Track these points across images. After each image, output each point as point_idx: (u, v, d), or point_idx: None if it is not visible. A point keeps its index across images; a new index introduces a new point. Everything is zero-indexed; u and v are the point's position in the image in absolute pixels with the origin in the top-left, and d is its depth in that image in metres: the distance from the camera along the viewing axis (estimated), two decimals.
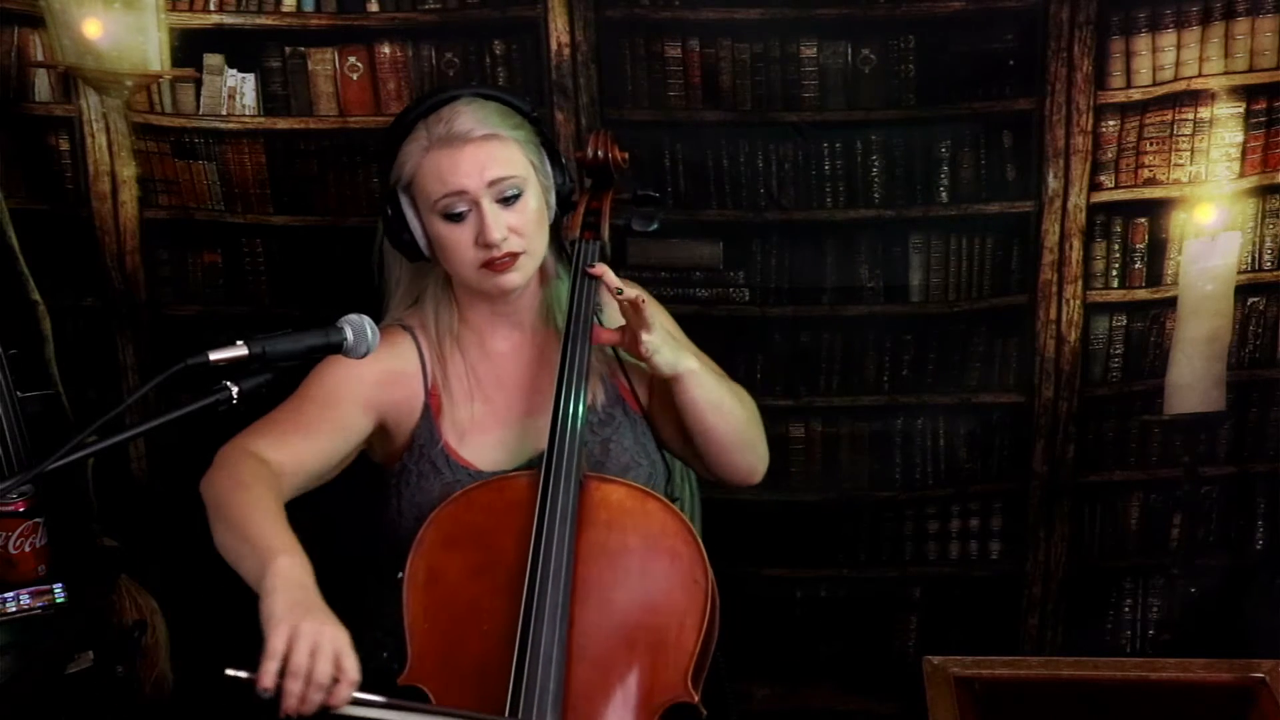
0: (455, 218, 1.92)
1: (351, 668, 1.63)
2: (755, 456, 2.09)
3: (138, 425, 1.63)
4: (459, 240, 1.93)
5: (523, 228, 1.93)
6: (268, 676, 1.60)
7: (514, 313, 2.04)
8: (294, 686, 1.60)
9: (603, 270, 1.94)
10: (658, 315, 1.96)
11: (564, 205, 2.03)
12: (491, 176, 1.91)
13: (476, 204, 1.91)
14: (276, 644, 1.61)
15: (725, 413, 2.01)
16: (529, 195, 1.94)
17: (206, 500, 1.85)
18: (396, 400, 2.01)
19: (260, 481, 1.84)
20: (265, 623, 1.64)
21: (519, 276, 1.96)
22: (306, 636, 1.62)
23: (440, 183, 1.91)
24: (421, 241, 1.97)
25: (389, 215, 1.97)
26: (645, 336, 1.90)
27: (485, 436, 2.02)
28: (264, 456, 1.88)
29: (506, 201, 1.92)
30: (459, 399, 2.02)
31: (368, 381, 1.98)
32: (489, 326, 2.05)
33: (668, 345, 1.93)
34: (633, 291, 1.92)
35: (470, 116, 1.92)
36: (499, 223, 1.91)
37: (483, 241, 1.91)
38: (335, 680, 1.62)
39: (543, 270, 2.03)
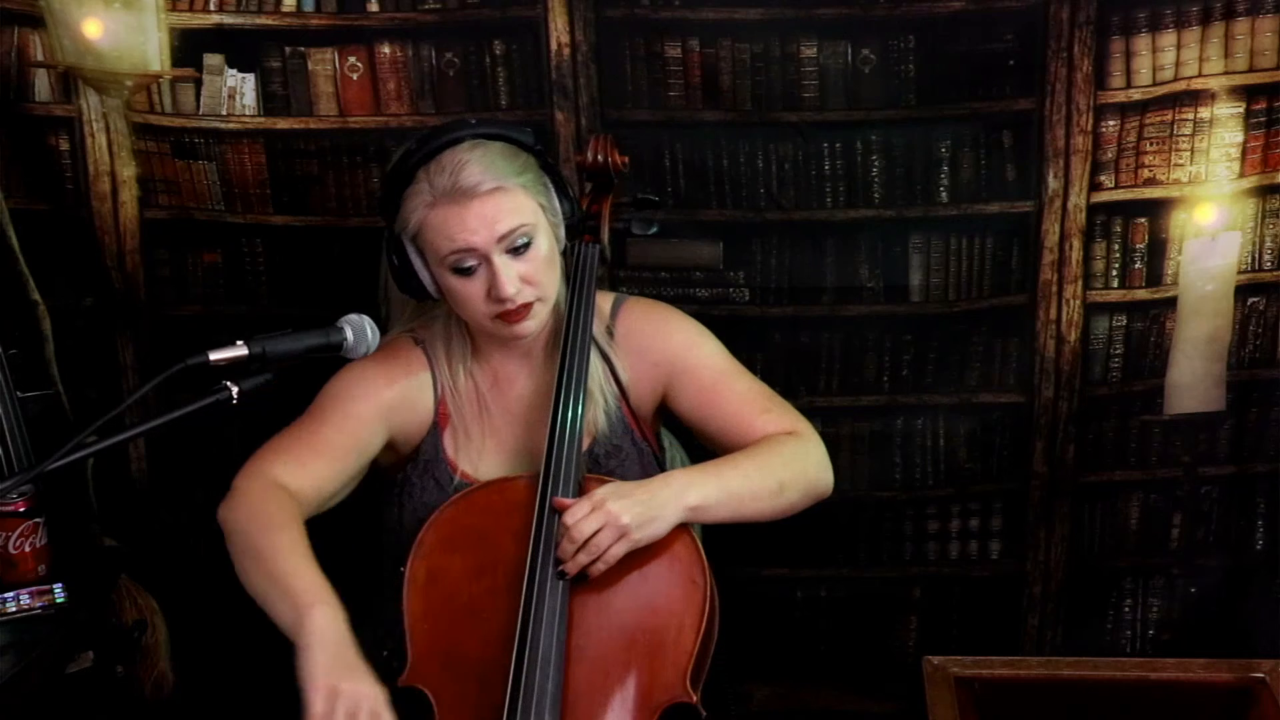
0: (465, 271, 1.87)
1: None
2: (808, 497, 1.98)
3: (138, 425, 1.64)
4: (471, 293, 1.89)
5: (534, 275, 1.89)
6: None
7: (526, 344, 2.01)
8: None
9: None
10: (625, 511, 1.80)
11: (572, 234, 1.99)
12: (501, 231, 1.85)
13: (487, 258, 1.86)
14: (318, 708, 1.62)
15: (748, 509, 1.92)
16: (539, 240, 1.89)
17: (230, 532, 1.84)
18: (407, 416, 2.01)
19: (291, 520, 1.82)
20: (304, 681, 1.64)
21: (534, 324, 1.92)
22: (346, 698, 1.62)
23: (448, 240, 1.85)
24: (430, 287, 1.93)
25: (395, 264, 1.93)
26: (620, 550, 1.80)
27: (490, 459, 2.01)
28: (286, 485, 1.87)
29: (517, 251, 1.87)
30: (469, 421, 2.02)
31: (383, 399, 1.97)
32: (501, 358, 2.03)
33: (647, 526, 1.81)
34: (587, 524, 1.78)
35: (475, 167, 1.85)
36: (511, 275, 1.86)
37: (495, 296, 1.87)
38: None
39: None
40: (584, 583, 1.81)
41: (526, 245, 1.88)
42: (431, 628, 1.82)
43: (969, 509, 2.62)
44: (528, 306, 1.89)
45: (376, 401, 1.97)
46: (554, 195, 1.94)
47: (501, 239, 1.85)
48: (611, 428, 2.00)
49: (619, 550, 1.79)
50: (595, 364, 1.99)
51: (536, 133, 2.41)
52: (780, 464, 1.95)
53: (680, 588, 1.84)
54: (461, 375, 2.01)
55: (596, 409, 1.99)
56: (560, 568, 1.79)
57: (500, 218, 1.85)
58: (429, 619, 1.83)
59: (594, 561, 1.79)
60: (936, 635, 2.64)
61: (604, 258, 2.03)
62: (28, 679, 2.09)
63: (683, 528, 1.86)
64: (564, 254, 2.01)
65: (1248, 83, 2.38)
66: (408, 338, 2.04)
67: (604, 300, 2.06)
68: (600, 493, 1.81)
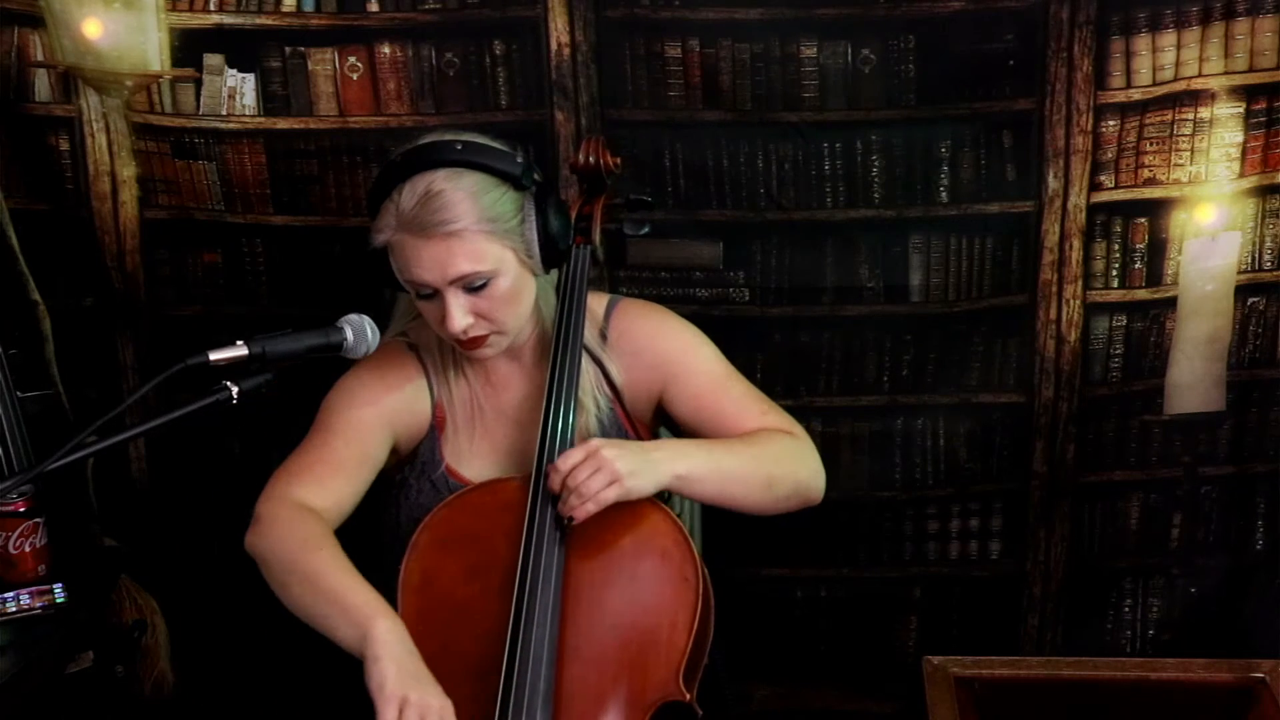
0: (424, 296, 1.87)
1: None
2: (796, 497, 1.95)
3: (138, 425, 1.63)
4: (430, 314, 1.89)
5: (491, 311, 1.86)
6: None
7: (515, 348, 2.00)
8: None
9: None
10: (618, 459, 1.78)
11: (556, 260, 1.92)
12: (453, 275, 1.82)
13: (440, 293, 1.84)
14: (390, 717, 1.65)
15: (734, 492, 1.91)
16: (499, 281, 1.85)
17: (266, 559, 1.82)
18: (407, 420, 2.00)
19: (328, 538, 1.82)
20: (375, 693, 1.67)
21: (491, 350, 1.91)
22: (415, 707, 1.65)
23: (404, 268, 1.85)
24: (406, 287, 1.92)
25: (380, 272, 1.90)
26: (612, 494, 1.78)
27: (485, 460, 2.01)
28: (310, 504, 1.86)
29: (473, 288, 1.84)
30: (461, 424, 2.01)
31: (385, 406, 1.97)
32: (492, 360, 2.00)
33: (638, 475, 1.80)
34: (582, 468, 1.77)
35: (440, 203, 1.79)
36: (461, 312, 1.84)
37: (446, 328, 1.86)
38: None
39: (540, 305, 1.97)
40: (580, 558, 1.81)
41: (484, 285, 1.85)
42: (426, 629, 1.81)
43: (969, 509, 2.62)
44: (483, 337, 1.89)
45: (379, 408, 1.96)
46: (533, 228, 1.87)
47: (454, 281, 1.83)
48: (604, 432, 1.99)
49: (610, 495, 1.77)
50: (586, 369, 1.97)
51: (536, 134, 2.41)
52: (772, 459, 1.93)
53: (672, 585, 1.83)
54: (455, 378, 2.01)
55: (588, 416, 1.97)
56: (557, 510, 1.80)
57: (454, 263, 1.82)
58: (423, 620, 1.82)
59: (585, 503, 1.78)
60: (936, 635, 2.64)
61: (596, 259, 2.02)
62: (28, 679, 2.09)
63: (675, 525, 1.86)
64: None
65: (1248, 83, 2.38)
66: (401, 342, 2.03)
67: (597, 302, 2.04)
68: (595, 441, 1.82)
